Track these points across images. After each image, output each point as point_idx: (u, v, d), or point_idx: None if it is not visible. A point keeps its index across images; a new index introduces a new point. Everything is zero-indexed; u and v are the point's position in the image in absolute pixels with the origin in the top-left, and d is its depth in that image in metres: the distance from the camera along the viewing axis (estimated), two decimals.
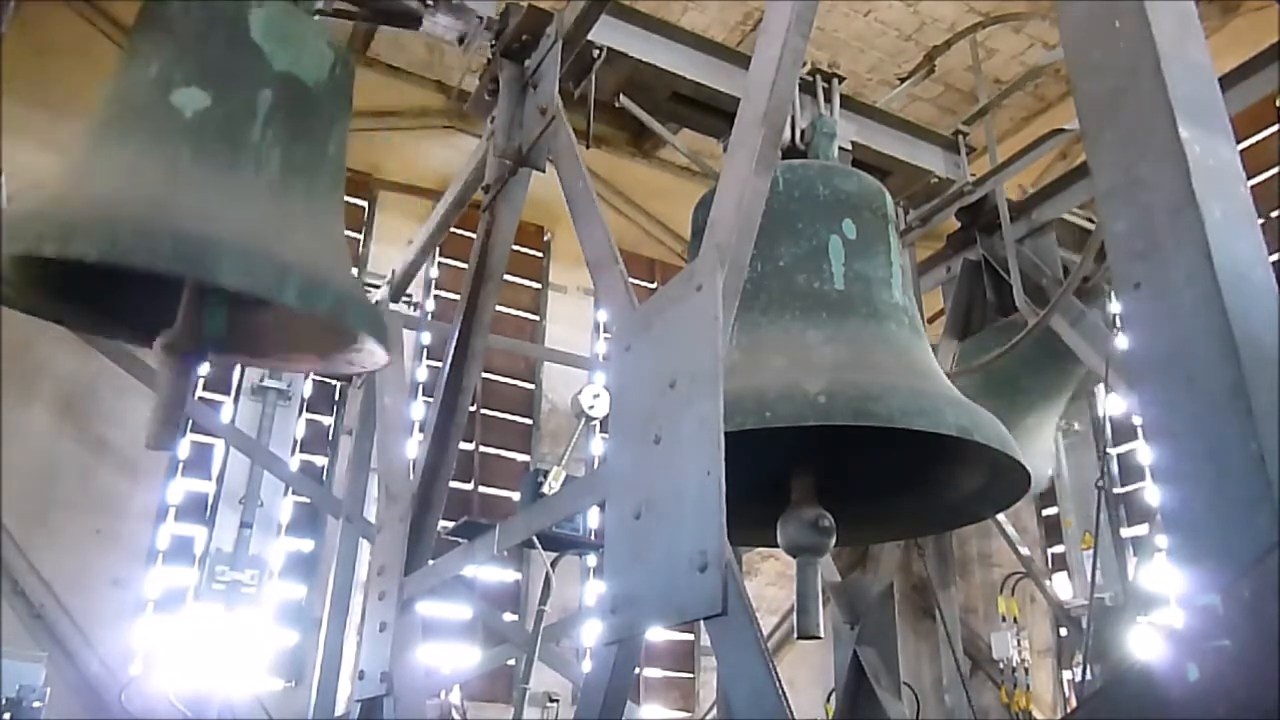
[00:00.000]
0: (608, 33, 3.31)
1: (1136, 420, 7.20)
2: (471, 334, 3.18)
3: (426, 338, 7.96)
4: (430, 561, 2.99)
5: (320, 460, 7.91)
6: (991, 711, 8.09)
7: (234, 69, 2.52)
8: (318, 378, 7.77)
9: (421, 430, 3.35)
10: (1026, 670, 7.65)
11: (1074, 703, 7.72)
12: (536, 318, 9.36)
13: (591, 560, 8.01)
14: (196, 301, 2.51)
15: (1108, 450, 7.99)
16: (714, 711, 7.09)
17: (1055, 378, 4.90)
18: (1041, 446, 5.17)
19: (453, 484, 3.64)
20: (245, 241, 2.28)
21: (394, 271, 4.92)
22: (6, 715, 4.92)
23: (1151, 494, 7.76)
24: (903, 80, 5.24)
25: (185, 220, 2.20)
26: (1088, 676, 4.96)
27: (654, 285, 9.17)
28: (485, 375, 8.17)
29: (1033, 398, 4.91)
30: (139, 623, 6.81)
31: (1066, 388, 5.07)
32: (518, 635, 6.46)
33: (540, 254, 9.54)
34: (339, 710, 5.16)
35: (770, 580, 8.68)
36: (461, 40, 3.44)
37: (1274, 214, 6.97)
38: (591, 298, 9.23)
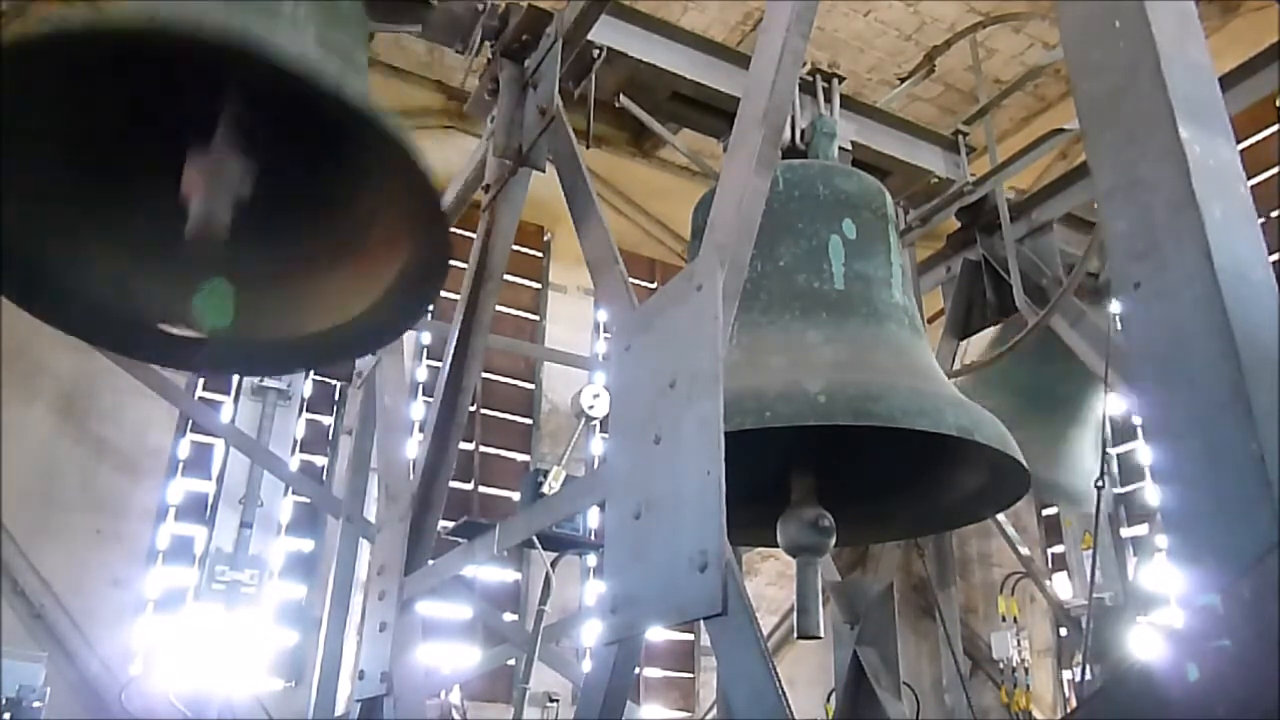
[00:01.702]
0: (608, 33, 3.31)
1: (1136, 420, 7.20)
2: (471, 334, 3.18)
3: (426, 338, 7.97)
4: (430, 561, 2.99)
5: (320, 460, 7.92)
6: (991, 711, 8.09)
7: None
8: (318, 378, 7.77)
9: (421, 430, 3.35)
10: (1026, 670, 7.66)
11: (1074, 703, 7.73)
12: (536, 318, 9.36)
13: (591, 560, 8.02)
14: (240, 101, 2.03)
15: (1108, 450, 7.99)
16: (714, 711, 7.09)
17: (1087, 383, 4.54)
18: (1085, 453, 4.86)
19: (453, 484, 3.64)
20: (292, 38, 2.06)
21: None
22: (6, 715, 4.92)
23: (1151, 494, 7.76)
24: (903, 80, 5.23)
25: (229, 15, 1.95)
26: (1088, 676, 4.97)
27: (654, 285, 9.17)
28: (485, 375, 8.17)
29: (1069, 407, 4.73)
30: (139, 623, 6.82)
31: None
32: (518, 635, 6.46)
33: (540, 254, 9.55)
34: (339, 710, 5.15)
35: (770, 580, 8.68)
36: (462, 41, 3.44)
37: (1274, 214, 6.98)
38: (591, 298, 9.23)
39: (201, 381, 7.54)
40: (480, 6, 3.31)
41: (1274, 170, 7.19)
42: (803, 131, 3.32)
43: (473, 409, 7.84)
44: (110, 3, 2.07)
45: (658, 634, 8.12)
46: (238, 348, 2.45)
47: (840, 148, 3.40)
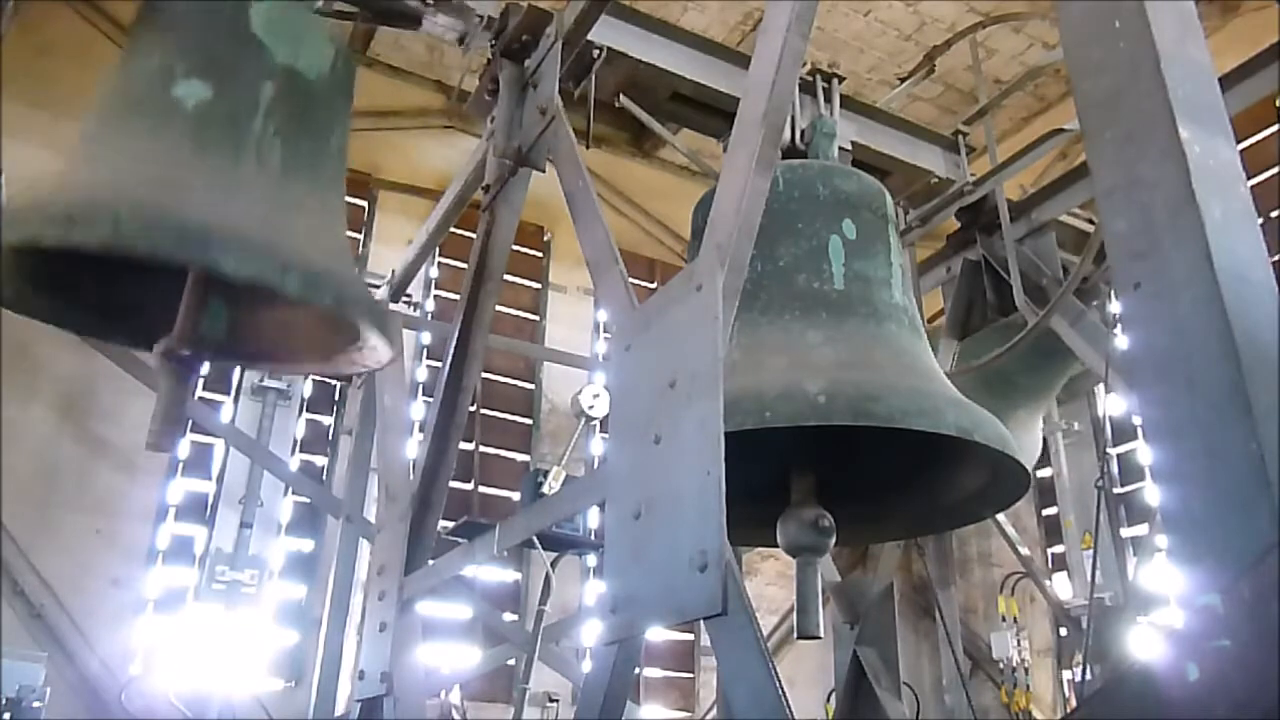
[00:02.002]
0: (608, 33, 3.31)
1: (1136, 420, 7.20)
2: (471, 334, 3.18)
3: (426, 338, 7.97)
4: (430, 561, 2.99)
5: (320, 460, 7.91)
6: (991, 711, 8.09)
7: (235, 62, 2.51)
8: (318, 378, 7.76)
9: (421, 430, 3.35)
10: (1026, 670, 7.66)
11: (1074, 703, 7.72)
12: (536, 318, 9.36)
13: (591, 560, 8.01)
14: (197, 299, 2.47)
15: (1108, 450, 7.99)
16: (714, 711, 7.09)
17: (1048, 374, 4.97)
18: (1030, 438, 5.29)
19: (453, 484, 3.64)
20: (248, 232, 2.26)
21: (394, 271, 4.92)
22: (6, 715, 4.92)
23: (1151, 494, 7.76)
24: (903, 80, 5.23)
25: (188, 209, 2.19)
26: (1088, 676, 4.96)
27: (654, 285, 9.17)
28: (485, 375, 8.17)
29: (1025, 393, 4.96)
30: (139, 623, 6.81)
31: (1058, 383, 5.16)
32: (518, 635, 6.46)
33: (540, 254, 9.54)
34: (339, 710, 5.16)
35: (770, 580, 8.69)
36: (461, 40, 3.45)
37: (1274, 214, 6.98)
38: (591, 298, 9.23)
39: (201, 381, 7.54)
40: (479, 19, 3.33)
41: (1274, 170, 7.19)
42: (803, 131, 3.32)
43: (473, 409, 7.84)
44: (91, 190, 2.33)
45: (658, 634, 8.12)
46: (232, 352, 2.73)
47: (840, 148, 3.40)
